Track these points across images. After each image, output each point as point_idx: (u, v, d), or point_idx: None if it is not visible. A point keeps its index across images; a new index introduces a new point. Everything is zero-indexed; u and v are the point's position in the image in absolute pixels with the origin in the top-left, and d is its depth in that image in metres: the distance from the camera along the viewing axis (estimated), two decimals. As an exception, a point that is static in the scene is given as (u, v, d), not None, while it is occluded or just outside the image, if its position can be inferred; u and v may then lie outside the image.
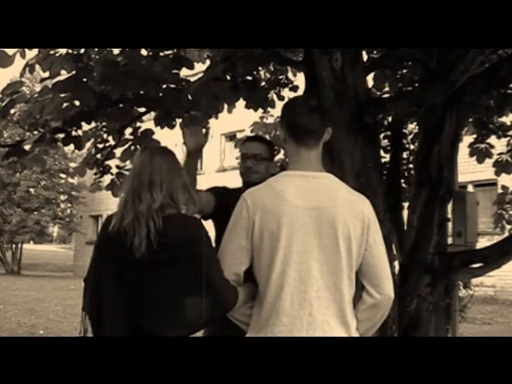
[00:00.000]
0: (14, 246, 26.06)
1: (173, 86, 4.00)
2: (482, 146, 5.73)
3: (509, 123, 5.64)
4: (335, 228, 2.03)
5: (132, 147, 4.37)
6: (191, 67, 4.08)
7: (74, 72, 3.75)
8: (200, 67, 4.60)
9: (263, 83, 5.20)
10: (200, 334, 2.57)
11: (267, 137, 6.91)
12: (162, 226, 2.03)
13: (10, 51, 3.46)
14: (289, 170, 2.15)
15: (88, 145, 4.78)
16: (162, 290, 2.02)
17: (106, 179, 4.92)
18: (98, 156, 4.75)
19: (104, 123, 4.55)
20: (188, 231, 2.08)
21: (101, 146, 4.72)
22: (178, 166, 2.25)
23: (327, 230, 2.03)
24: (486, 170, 7.77)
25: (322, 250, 2.02)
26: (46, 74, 3.85)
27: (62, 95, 3.82)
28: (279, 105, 5.54)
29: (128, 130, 4.54)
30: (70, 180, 27.03)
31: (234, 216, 2.13)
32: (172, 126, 4.49)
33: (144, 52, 3.95)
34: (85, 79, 3.75)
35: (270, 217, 2.04)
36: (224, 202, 2.85)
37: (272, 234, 2.03)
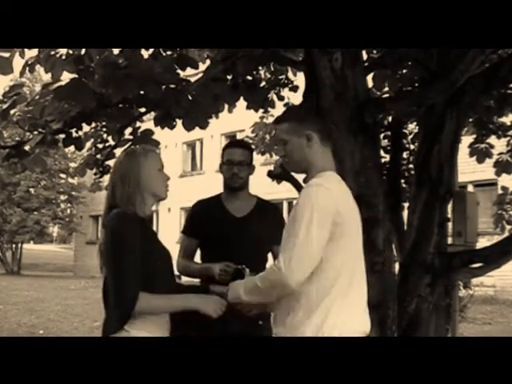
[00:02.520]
0: (14, 246, 26.06)
1: (173, 86, 4.00)
2: (482, 146, 5.73)
3: (509, 123, 5.64)
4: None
5: (132, 147, 4.37)
6: (196, 67, 4.08)
7: (75, 75, 3.75)
8: (200, 67, 4.60)
9: (263, 83, 5.20)
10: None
11: (267, 137, 6.93)
12: None
13: (7, 54, 3.45)
14: (327, 170, 2.19)
15: (88, 145, 4.79)
16: None
17: (106, 179, 4.91)
18: (98, 156, 4.75)
19: (104, 123, 4.55)
20: None
21: (101, 146, 4.72)
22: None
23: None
24: (486, 170, 7.77)
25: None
26: (47, 75, 3.85)
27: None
28: (279, 105, 5.57)
29: (128, 130, 4.54)
30: (70, 180, 27.04)
31: (322, 208, 2.02)
32: (172, 126, 4.49)
33: (144, 53, 3.95)
34: (85, 80, 3.75)
35: (349, 212, 2.13)
36: (200, 222, 3.05)
37: (349, 230, 2.11)
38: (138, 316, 2.08)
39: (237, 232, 2.91)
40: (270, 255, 3.06)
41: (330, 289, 2.05)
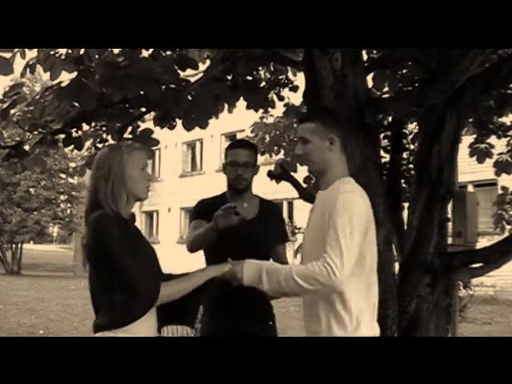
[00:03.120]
0: (13, 246, 26.04)
1: (173, 86, 4.00)
2: (482, 146, 5.73)
3: (509, 123, 5.64)
4: None
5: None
6: (196, 67, 4.08)
7: (75, 75, 3.75)
8: (200, 67, 4.60)
9: (263, 83, 5.20)
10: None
11: (267, 137, 6.92)
12: None
13: (8, 55, 3.45)
14: (345, 176, 2.28)
15: (88, 145, 4.78)
16: None
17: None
18: (98, 156, 4.74)
19: (104, 123, 4.55)
20: None
21: (101, 145, 4.71)
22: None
23: None
24: (486, 170, 7.77)
25: None
26: (47, 75, 3.85)
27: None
28: (279, 105, 5.57)
29: (128, 130, 4.54)
30: (70, 180, 27.03)
31: (360, 217, 2.13)
32: (172, 126, 4.49)
33: (144, 53, 3.95)
34: (86, 81, 3.75)
35: (372, 221, 2.22)
36: (212, 207, 2.91)
37: (373, 234, 2.22)
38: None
39: (244, 235, 2.84)
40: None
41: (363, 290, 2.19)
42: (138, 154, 2.23)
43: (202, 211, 3.03)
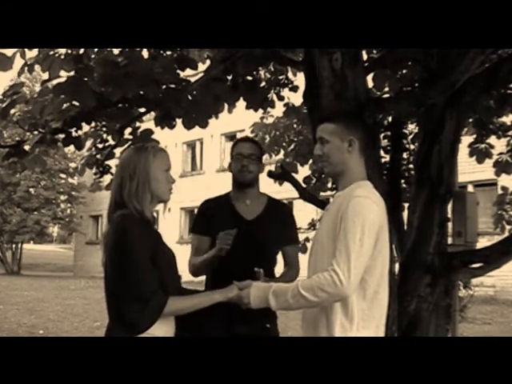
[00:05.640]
0: (13, 245, 26.07)
1: (173, 86, 3.99)
2: (482, 146, 5.72)
3: (509, 123, 5.63)
4: None
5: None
6: (195, 67, 4.08)
7: (73, 73, 3.74)
8: (200, 67, 4.60)
9: (263, 83, 5.20)
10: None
11: (267, 137, 6.92)
12: None
13: (9, 52, 3.46)
14: (363, 179, 2.25)
15: (88, 145, 4.78)
16: None
17: (106, 179, 4.91)
18: (98, 156, 4.74)
19: (104, 123, 4.54)
20: None
21: (101, 146, 4.71)
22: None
23: None
24: (486, 170, 7.77)
25: None
26: (46, 75, 3.85)
27: (62, 96, 3.82)
28: (279, 105, 5.57)
29: (128, 130, 4.54)
30: (70, 180, 27.06)
31: (372, 222, 2.09)
32: (172, 126, 4.49)
33: (144, 53, 3.95)
34: (85, 79, 3.75)
35: (385, 227, 2.18)
36: (210, 219, 2.98)
37: (385, 240, 2.17)
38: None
39: (246, 235, 2.82)
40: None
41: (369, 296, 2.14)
42: (163, 156, 2.26)
43: (206, 211, 3.05)
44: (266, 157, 7.47)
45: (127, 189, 2.17)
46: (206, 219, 3.02)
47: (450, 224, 4.33)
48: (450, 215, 4.38)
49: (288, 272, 2.98)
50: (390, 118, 5.00)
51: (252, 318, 2.52)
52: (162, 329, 2.11)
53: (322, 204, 5.38)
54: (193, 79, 4.25)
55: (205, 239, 2.98)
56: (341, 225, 2.08)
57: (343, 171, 2.22)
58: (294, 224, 3.17)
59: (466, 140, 5.54)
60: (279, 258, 3.03)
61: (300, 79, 4.70)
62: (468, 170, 9.60)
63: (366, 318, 2.12)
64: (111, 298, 2.15)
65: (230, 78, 4.50)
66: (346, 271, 2.00)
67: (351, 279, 2.01)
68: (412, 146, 5.20)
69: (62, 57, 3.68)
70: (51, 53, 3.66)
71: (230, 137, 20.10)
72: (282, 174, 5.05)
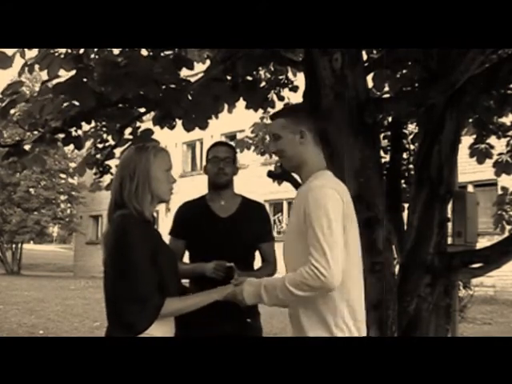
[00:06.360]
0: (13, 245, 26.05)
1: (173, 86, 3.99)
2: (482, 146, 5.72)
3: (509, 123, 5.63)
4: None
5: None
6: (191, 67, 4.08)
7: (73, 72, 3.75)
8: (200, 67, 4.60)
9: (263, 83, 5.19)
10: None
11: (267, 137, 6.93)
12: None
13: (9, 51, 3.46)
14: (321, 169, 2.25)
15: (88, 145, 4.78)
16: None
17: (106, 179, 4.91)
18: (98, 156, 4.74)
19: (104, 123, 4.54)
20: None
21: (101, 146, 4.71)
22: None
23: None
24: (486, 171, 7.77)
25: None
26: (46, 75, 3.84)
27: (62, 96, 3.82)
28: (279, 105, 5.56)
29: (128, 130, 4.54)
30: (70, 180, 27.03)
31: (334, 208, 2.09)
32: (172, 126, 4.49)
33: (144, 52, 3.95)
34: (85, 79, 3.75)
35: (352, 212, 2.19)
36: (186, 222, 3.09)
37: (354, 235, 2.18)
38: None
39: (222, 232, 2.97)
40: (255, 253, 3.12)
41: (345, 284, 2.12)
42: (164, 156, 2.26)
43: (183, 214, 3.15)
44: (265, 157, 7.47)
45: (127, 189, 2.17)
46: (182, 222, 3.13)
47: (450, 224, 4.33)
48: (449, 215, 4.38)
49: (265, 267, 3.08)
50: (389, 118, 5.00)
51: (234, 315, 2.56)
52: (161, 329, 2.11)
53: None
54: (193, 79, 4.25)
55: (180, 242, 3.09)
56: (306, 220, 2.09)
57: (300, 164, 2.25)
58: (269, 221, 3.30)
59: (466, 140, 5.54)
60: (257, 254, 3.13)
61: (300, 79, 4.69)
62: (468, 170, 9.60)
63: (340, 310, 2.11)
64: (110, 298, 2.15)
65: (229, 78, 4.50)
66: (325, 263, 2.00)
67: (332, 270, 2.00)
68: (412, 146, 5.20)
69: (62, 56, 3.68)
70: (51, 51, 3.65)
71: (230, 137, 20.09)
72: (281, 174, 5.05)
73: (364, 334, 2.19)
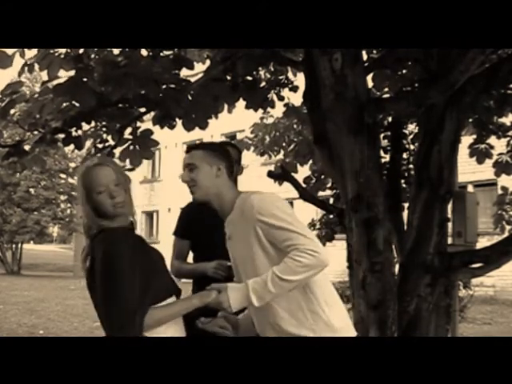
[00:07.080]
0: (13, 245, 26.06)
1: (173, 86, 3.99)
2: (482, 146, 5.73)
3: (509, 123, 5.64)
4: None
5: (131, 147, 4.36)
6: (191, 67, 4.08)
7: (73, 73, 3.75)
8: (200, 67, 4.60)
9: (263, 83, 5.20)
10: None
11: (267, 137, 6.92)
12: None
13: (9, 51, 3.46)
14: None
15: (88, 145, 4.78)
16: None
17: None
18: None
19: (104, 123, 4.54)
20: None
21: (101, 146, 4.71)
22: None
23: None
24: (485, 171, 7.77)
25: None
26: (46, 74, 3.85)
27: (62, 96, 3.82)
28: (279, 105, 5.57)
29: (128, 130, 4.54)
30: (70, 180, 27.04)
31: (283, 203, 2.19)
32: (172, 126, 4.49)
33: (144, 52, 3.95)
34: (85, 79, 3.75)
35: None
36: (191, 222, 3.13)
37: None
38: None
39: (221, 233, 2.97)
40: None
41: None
42: (92, 180, 2.16)
43: (187, 215, 3.17)
44: (265, 157, 7.47)
45: (85, 213, 2.17)
46: (187, 222, 3.16)
47: (450, 224, 4.34)
48: (449, 215, 4.38)
49: None
50: (390, 118, 5.00)
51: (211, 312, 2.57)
52: (171, 329, 2.11)
53: (321, 204, 5.39)
54: (193, 79, 4.25)
55: (184, 242, 3.13)
56: (264, 231, 2.13)
57: (217, 194, 2.32)
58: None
59: (466, 140, 5.55)
60: None
61: (300, 79, 4.70)
62: (468, 170, 9.61)
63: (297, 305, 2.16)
64: (98, 308, 2.15)
65: (229, 78, 4.50)
66: (312, 242, 2.07)
67: (321, 247, 2.08)
68: (412, 146, 5.21)
69: (62, 56, 3.68)
70: (51, 51, 3.66)
71: (230, 137, 20.09)
72: (281, 174, 5.06)
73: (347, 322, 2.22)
